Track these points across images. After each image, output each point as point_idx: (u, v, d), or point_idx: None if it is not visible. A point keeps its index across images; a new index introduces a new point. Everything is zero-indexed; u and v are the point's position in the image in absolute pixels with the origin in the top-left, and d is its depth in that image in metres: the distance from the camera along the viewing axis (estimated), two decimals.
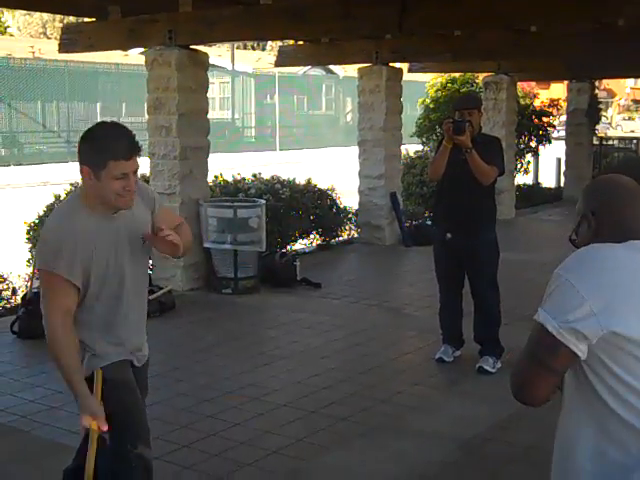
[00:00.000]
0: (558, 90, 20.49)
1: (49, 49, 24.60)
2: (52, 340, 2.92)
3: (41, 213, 8.24)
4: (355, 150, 11.05)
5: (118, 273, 3.07)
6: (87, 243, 2.97)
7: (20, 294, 7.06)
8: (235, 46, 32.73)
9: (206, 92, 8.27)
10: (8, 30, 44.72)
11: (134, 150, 2.91)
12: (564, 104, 16.50)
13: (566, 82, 16.84)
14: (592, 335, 1.88)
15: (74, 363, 2.91)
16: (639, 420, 1.92)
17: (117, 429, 3.04)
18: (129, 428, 3.08)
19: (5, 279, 7.23)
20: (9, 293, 7.18)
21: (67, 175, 13.41)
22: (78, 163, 2.93)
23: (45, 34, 45.90)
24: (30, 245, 8.10)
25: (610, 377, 1.92)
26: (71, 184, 8.68)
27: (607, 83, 38.05)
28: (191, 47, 8.03)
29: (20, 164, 23.15)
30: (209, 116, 8.41)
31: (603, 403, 1.94)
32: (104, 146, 2.89)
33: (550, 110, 15.66)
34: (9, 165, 22.93)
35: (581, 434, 2.00)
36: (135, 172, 2.94)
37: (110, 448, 3.07)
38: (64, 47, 8.75)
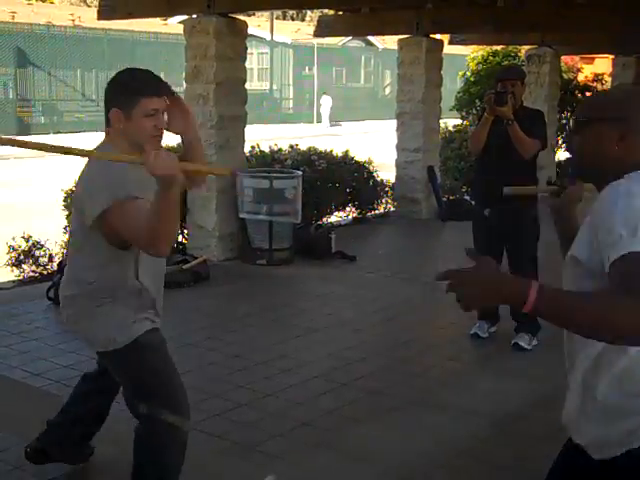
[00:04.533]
0: (602, 65, 20.08)
1: (89, 17, 24.66)
2: None
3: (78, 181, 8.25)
4: (393, 123, 10.93)
5: None
6: (137, 181, 2.81)
7: (56, 261, 7.11)
8: (274, 16, 32.55)
9: (244, 61, 8.20)
10: None
11: (164, 87, 2.92)
12: (608, 79, 16.14)
13: (611, 57, 16.48)
14: None
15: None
16: None
17: (152, 397, 3.05)
18: (165, 397, 3.06)
19: (42, 246, 7.28)
20: (46, 259, 7.23)
21: None
22: (106, 110, 2.90)
23: (85, 2, 46.02)
24: (67, 212, 8.13)
25: None
26: None
27: None
28: (230, 15, 7.96)
29: (59, 132, 23.31)
30: (247, 87, 8.35)
31: None
32: (134, 84, 2.89)
33: (594, 85, 15.33)
34: (48, 133, 23.10)
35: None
36: (164, 112, 2.93)
37: (144, 416, 3.07)
38: (103, 14, 8.71)
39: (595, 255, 1.87)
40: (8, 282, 7.10)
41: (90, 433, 3.63)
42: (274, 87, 32.67)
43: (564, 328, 1.84)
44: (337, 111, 32.23)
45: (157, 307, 3.13)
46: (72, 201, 3.00)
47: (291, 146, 9.64)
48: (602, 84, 15.56)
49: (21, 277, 7.15)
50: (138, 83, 2.89)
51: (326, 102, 31.05)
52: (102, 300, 3.00)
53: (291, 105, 33.34)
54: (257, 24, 30.56)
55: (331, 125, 30.01)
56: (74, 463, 3.66)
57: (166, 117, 2.99)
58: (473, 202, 5.93)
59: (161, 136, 2.93)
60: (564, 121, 14.67)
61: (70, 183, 8.38)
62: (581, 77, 15.96)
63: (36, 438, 3.60)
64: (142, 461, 3.14)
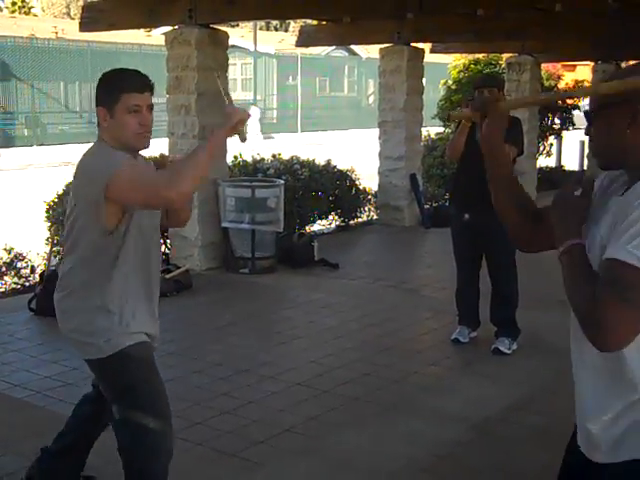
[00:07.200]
0: (584, 72, 20.25)
1: (72, 29, 24.53)
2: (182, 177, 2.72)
3: (60, 192, 8.25)
4: (376, 132, 10.98)
5: (150, 225, 3.02)
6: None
7: (38, 272, 7.10)
8: (257, 27, 32.60)
9: (226, 71, 8.22)
10: (32, 10, 44.80)
11: (146, 85, 2.92)
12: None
13: (592, 64, 16.60)
14: None
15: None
16: None
17: (141, 406, 2.98)
18: (154, 406, 3.00)
19: (24, 257, 7.27)
20: (28, 271, 7.22)
21: None
22: (96, 109, 2.93)
23: (69, 14, 45.98)
24: (49, 224, 8.12)
25: None
26: None
27: None
28: (211, 26, 7.99)
29: (42, 144, 23.24)
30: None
31: None
32: (117, 81, 2.93)
33: None
34: (32, 145, 23.03)
35: None
36: (149, 109, 2.91)
37: (132, 425, 2.99)
38: (85, 26, 8.74)
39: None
40: None
41: (82, 462, 3.49)
42: (258, 97, 32.69)
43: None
44: (321, 120, 32.25)
45: (150, 313, 3.07)
46: (70, 198, 3.01)
47: (273, 155, 9.67)
48: None
49: (2, 289, 7.13)
50: (119, 80, 2.93)
51: (253, 114, 30.44)
52: (85, 303, 2.94)
53: (275, 115, 33.35)
54: (241, 35, 30.60)
55: (264, 138, 29.26)
56: None
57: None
58: (453, 207, 5.96)
59: (147, 133, 2.92)
60: (545, 128, 14.79)
61: (52, 195, 8.40)
62: (562, 84, 16.09)
63: (31, 466, 3.49)
64: (131, 471, 3.08)
